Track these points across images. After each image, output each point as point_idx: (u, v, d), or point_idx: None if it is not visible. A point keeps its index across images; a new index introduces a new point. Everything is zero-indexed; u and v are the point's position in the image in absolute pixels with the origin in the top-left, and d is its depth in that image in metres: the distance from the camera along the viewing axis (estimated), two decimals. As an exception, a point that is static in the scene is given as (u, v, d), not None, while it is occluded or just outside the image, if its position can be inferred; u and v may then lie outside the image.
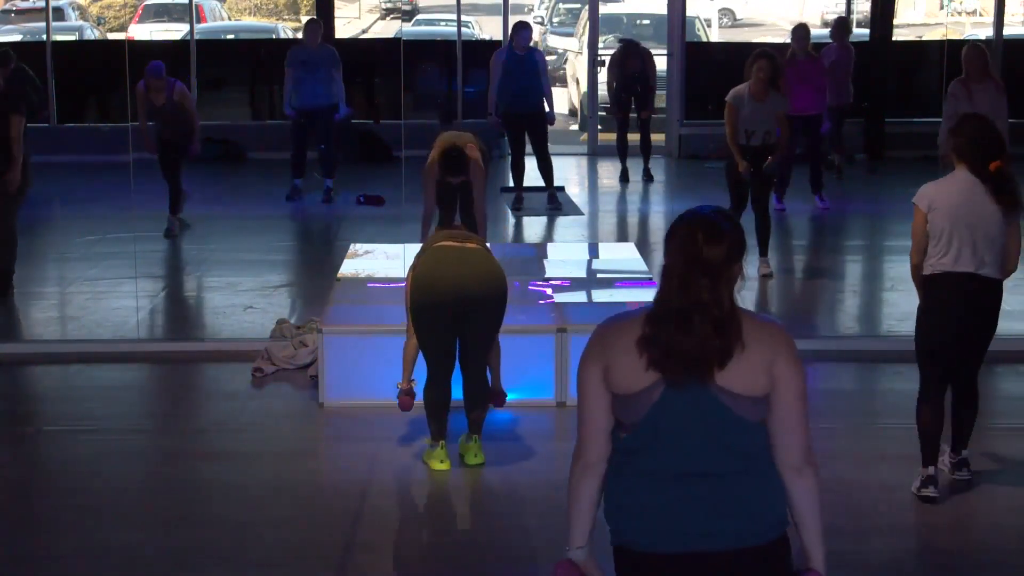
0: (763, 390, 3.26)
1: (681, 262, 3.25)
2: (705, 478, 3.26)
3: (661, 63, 15.91)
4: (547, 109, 12.88)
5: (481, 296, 6.28)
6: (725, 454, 3.26)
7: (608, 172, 15.00)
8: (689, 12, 16.58)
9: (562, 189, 13.49)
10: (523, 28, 12.87)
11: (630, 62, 14.14)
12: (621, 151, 14.45)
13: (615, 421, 3.32)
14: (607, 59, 16.37)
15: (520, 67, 12.65)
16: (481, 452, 6.48)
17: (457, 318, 6.28)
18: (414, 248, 9.39)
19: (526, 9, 27.66)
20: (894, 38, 16.84)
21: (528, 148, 12.95)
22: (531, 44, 12.91)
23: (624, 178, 14.33)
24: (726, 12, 28.55)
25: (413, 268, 6.43)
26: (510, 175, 13.73)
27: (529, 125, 12.78)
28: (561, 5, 23.70)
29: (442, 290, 6.24)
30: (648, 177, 14.31)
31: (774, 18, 29.05)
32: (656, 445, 3.27)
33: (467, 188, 8.54)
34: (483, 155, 8.84)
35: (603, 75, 15.57)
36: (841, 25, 14.85)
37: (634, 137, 14.51)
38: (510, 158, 13.10)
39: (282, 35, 21.13)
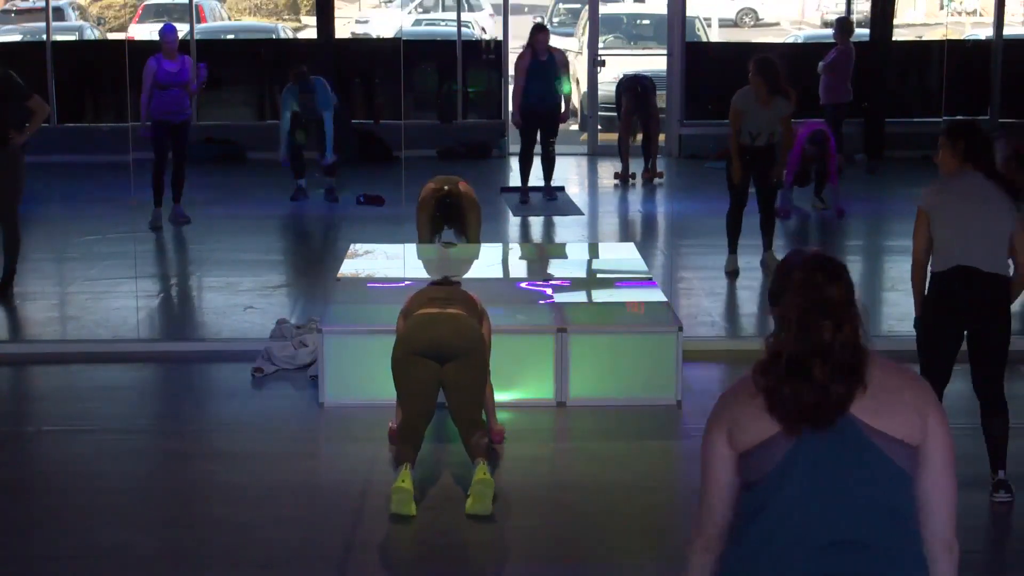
0: (918, 438, 2.98)
1: (799, 306, 3.01)
2: (850, 549, 2.92)
3: (660, 62, 15.92)
4: (563, 108, 13.18)
5: (457, 344, 6.17)
6: (875, 516, 2.94)
7: (608, 172, 14.99)
8: (689, 12, 16.58)
9: (562, 189, 13.51)
10: (540, 32, 12.99)
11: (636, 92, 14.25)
12: (623, 152, 14.44)
13: (739, 484, 3.04)
14: (605, 58, 16.44)
15: (542, 71, 12.91)
16: (489, 472, 6.01)
17: (435, 360, 6.15)
18: (414, 248, 9.50)
19: (525, 9, 27.65)
20: (894, 38, 16.84)
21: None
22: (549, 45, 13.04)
23: (624, 178, 14.31)
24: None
25: (397, 330, 6.42)
26: (510, 175, 13.77)
27: (545, 123, 13.04)
28: (561, 5, 23.69)
29: (421, 339, 6.20)
30: (649, 177, 14.25)
31: (774, 18, 29.07)
32: (783, 501, 2.94)
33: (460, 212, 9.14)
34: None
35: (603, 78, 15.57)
36: (843, 25, 14.84)
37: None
38: (519, 153, 13.15)
39: (282, 35, 21.13)
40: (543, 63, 12.90)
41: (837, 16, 16.24)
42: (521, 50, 13.30)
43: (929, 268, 6.08)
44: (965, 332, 6.06)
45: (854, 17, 17.55)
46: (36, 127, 9.72)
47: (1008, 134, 10.89)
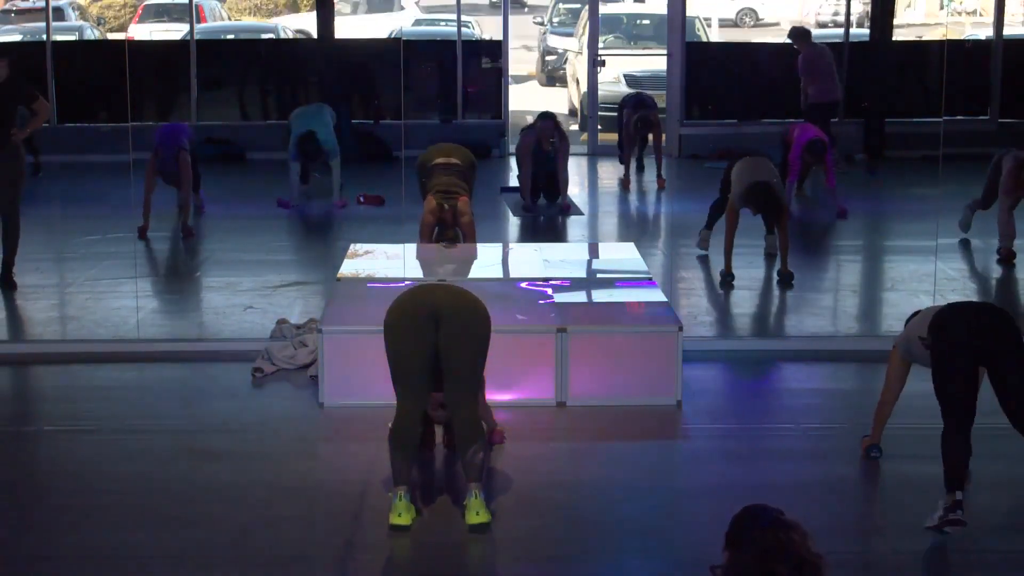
0: None
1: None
2: None
3: (660, 62, 15.91)
4: (564, 197, 12.87)
5: (455, 306, 5.93)
6: None
7: (608, 172, 15.00)
8: (689, 12, 16.59)
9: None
10: (547, 120, 12.80)
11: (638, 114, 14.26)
12: (625, 164, 14.47)
13: None
14: (605, 58, 16.45)
15: (545, 160, 12.73)
16: (484, 509, 5.82)
17: (431, 325, 5.87)
18: (414, 248, 9.52)
19: (525, 8, 27.64)
20: (894, 38, 16.85)
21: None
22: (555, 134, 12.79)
23: (627, 185, 14.32)
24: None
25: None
26: (510, 175, 13.75)
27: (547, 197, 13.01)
28: (561, 5, 23.70)
29: (416, 302, 5.98)
30: (662, 185, 14.22)
31: (774, 18, 29.05)
32: None
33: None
34: (473, 168, 10.01)
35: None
36: (795, 33, 14.73)
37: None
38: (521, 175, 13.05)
39: (282, 35, 21.12)
40: (546, 152, 12.72)
41: (795, 25, 15.90)
42: (526, 130, 12.98)
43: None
44: (984, 367, 6.01)
45: (855, 15, 17.57)
46: (37, 126, 10.09)
47: (1013, 146, 10.98)
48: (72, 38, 20.39)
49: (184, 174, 11.53)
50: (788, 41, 15.01)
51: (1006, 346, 5.90)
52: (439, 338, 5.89)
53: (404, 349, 5.93)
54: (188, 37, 16.89)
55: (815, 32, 20.22)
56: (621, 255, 10.00)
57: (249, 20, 24.97)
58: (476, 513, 5.82)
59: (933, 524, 5.77)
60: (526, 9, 27.54)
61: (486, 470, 6.18)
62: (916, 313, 6.53)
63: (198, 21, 18.28)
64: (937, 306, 6.39)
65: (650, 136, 14.36)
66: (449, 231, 9.83)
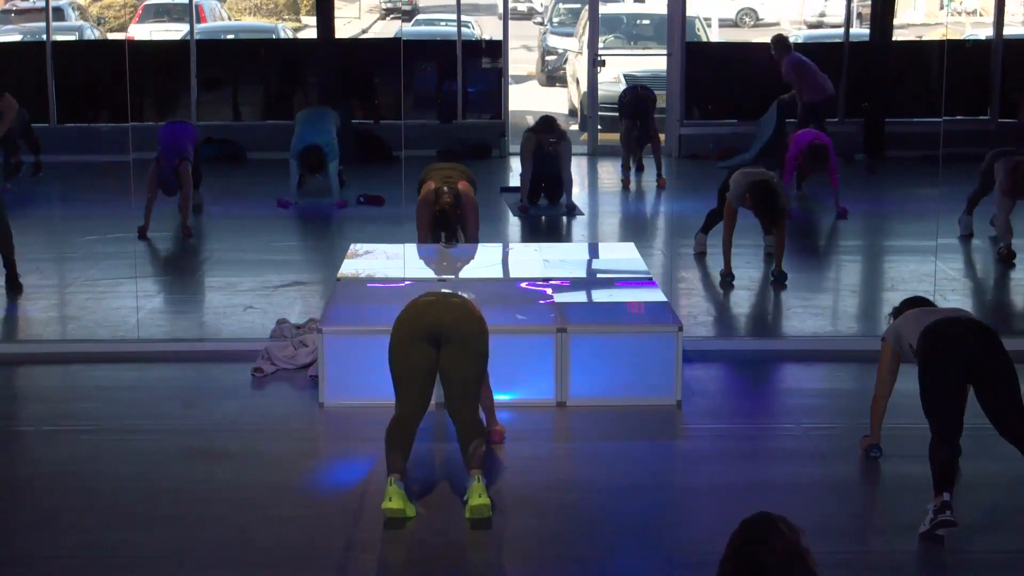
0: None
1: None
2: None
3: (660, 62, 15.91)
4: (568, 197, 12.83)
5: (456, 326, 6.03)
6: None
7: (608, 172, 14.99)
8: (689, 12, 16.59)
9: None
10: (549, 127, 12.77)
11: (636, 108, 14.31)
12: (625, 163, 14.49)
13: None
14: (605, 58, 16.44)
15: (545, 161, 12.71)
16: (485, 493, 5.94)
17: (433, 345, 6.02)
18: (414, 248, 9.52)
19: (525, 9, 27.63)
20: (894, 38, 16.84)
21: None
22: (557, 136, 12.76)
23: (627, 184, 14.33)
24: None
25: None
26: (510, 175, 13.74)
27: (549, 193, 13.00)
28: (561, 5, 23.70)
29: (420, 323, 6.08)
30: (663, 184, 14.24)
31: (774, 18, 29.04)
32: None
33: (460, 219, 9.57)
34: (472, 184, 9.84)
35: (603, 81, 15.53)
36: (779, 41, 14.77)
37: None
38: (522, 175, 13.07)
39: (282, 35, 21.12)
40: (546, 152, 12.70)
41: (776, 35, 15.87)
42: (527, 135, 12.93)
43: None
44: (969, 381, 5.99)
45: (855, 12, 17.56)
46: (6, 126, 10.06)
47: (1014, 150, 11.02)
48: (72, 38, 20.39)
49: (184, 184, 11.56)
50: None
51: (993, 364, 5.92)
52: (441, 357, 6.05)
53: (406, 366, 6.09)
54: (188, 37, 16.89)
55: (811, 32, 20.22)
56: (621, 255, 10.00)
57: (249, 20, 24.97)
58: (478, 495, 5.91)
59: (925, 529, 5.76)
60: (527, 9, 27.53)
61: (486, 460, 6.21)
62: (907, 303, 6.51)
63: (198, 21, 18.27)
64: (927, 310, 6.36)
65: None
66: (451, 238, 9.80)
